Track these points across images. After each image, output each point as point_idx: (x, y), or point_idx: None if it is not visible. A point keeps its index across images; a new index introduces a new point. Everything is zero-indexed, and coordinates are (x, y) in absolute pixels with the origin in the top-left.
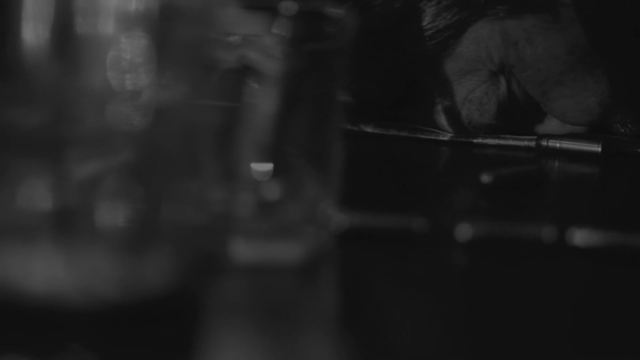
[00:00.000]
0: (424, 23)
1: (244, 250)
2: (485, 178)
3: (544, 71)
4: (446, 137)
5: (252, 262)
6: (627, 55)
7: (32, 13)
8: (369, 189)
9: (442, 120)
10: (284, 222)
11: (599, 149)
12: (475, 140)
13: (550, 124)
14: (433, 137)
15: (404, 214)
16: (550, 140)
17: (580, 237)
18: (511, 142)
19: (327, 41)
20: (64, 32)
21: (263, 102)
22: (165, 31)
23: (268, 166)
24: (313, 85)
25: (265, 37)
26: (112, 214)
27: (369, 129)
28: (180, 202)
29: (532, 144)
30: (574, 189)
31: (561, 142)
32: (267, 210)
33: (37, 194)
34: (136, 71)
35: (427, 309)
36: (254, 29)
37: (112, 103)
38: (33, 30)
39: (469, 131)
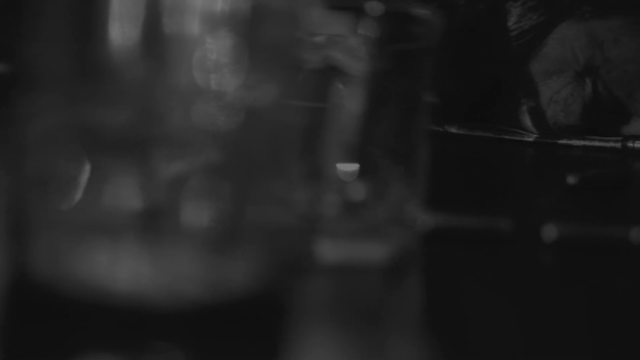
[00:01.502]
0: (510, 24)
1: (330, 251)
2: (571, 179)
3: (630, 72)
4: (531, 138)
5: (338, 262)
6: None
7: (119, 13)
8: (454, 190)
9: (527, 121)
10: (370, 222)
11: None
12: (560, 142)
13: (637, 125)
14: (518, 138)
15: (489, 215)
16: (637, 142)
17: None
18: (597, 144)
19: (412, 42)
20: (151, 32)
21: (349, 103)
22: (252, 31)
23: (354, 166)
24: (399, 85)
25: (351, 37)
26: (197, 214)
27: (453, 130)
28: (266, 203)
29: (618, 145)
30: None
31: None
32: (353, 211)
33: (123, 193)
34: (222, 71)
35: (513, 309)
36: (339, 29)
37: (198, 103)
38: (120, 30)
39: (554, 132)
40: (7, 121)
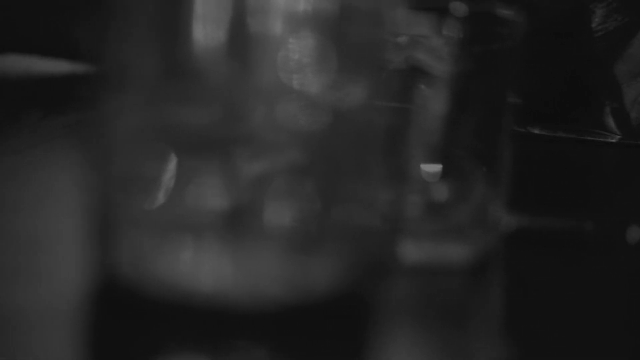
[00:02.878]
0: (594, 25)
1: (412, 252)
2: None
3: None
4: (614, 139)
5: (420, 263)
6: None
7: (204, 13)
8: (536, 191)
9: (611, 122)
10: (452, 223)
11: None
12: None
13: None
14: (601, 140)
15: (572, 216)
16: None
17: None
18: None
19: (496, 42)
20: (236, 32)
21: (432, 104)
22: (337, 31)
23: (437, 168)
24: (482, 86)
25: (435, 38)
26: (281, 214)
27: (536, 131)
28: (349, 203)
29: None
30: None
31: None
32: (436, 212)
33: (207, 193)
34: (306, 71)
35: (596, 312)
36: (423, 30)
37: (282, 103)
38: (205, 31)
39: (638, 133)
40: (93, 121)
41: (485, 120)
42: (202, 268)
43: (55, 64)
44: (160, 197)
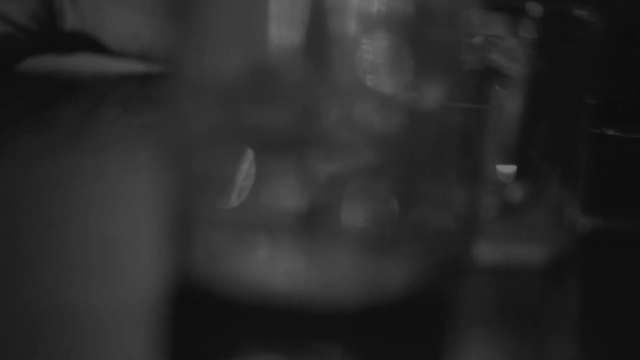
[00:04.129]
0: None
1: (487, 252)
2: None
3: None
4: None
5: (495, 263)
6: None
7: (281, 14)
8: (612, 193)
9: None
10: (527, 224)
11: None
12: None
13: None
14: None
15: None
16: None
17: None
18: None
19: (571, 43)
20: (313, 33)
21: (508, 104)
22: (413, 32)
23: (512, 168)
24: (557, 87)
25: (510, 38)
26: (356, 214)
27: (611, 132)
28: (424, 204)
29: None
30: None
31: None
32: (511, 213)
33: (283, 193)
34: (382, 72)
35: None
36: (498, 30)
37: (358, 103)
38: (282, 31)
39: None
40: (170, 121)
41: (560, 121)
42: (276, 268)
43: (130, 64)
44: (236, 197)
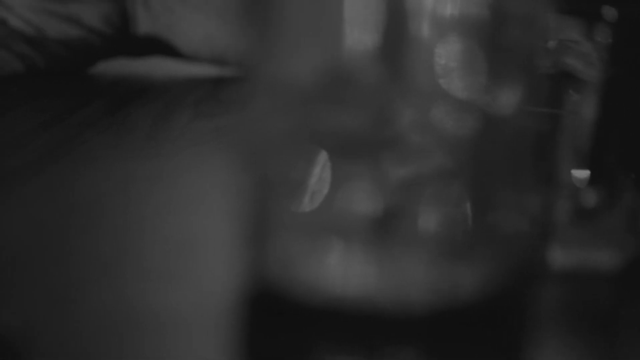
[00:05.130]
0: None
1: (561, 257)
2: None
3: None
4: None
5: (569, 268)
6: None
7: (357, 17)
8: None
9: None
10: (602, 229)
11: None
12: None
13: None
14: None
15: None
16: None
17: None
18: None
19: None
20: (388, 36)
21: (582, 109)
22: (489, 36)
23: (587, 173)
24: (632, 92)
25: (584, 43)
26: (429, 218)
27: None
28: (498, 208)
29: None
30: None
31: None
32: (585, 217)
33: (356, 197)
34: (457, 76)
35: None
36: (572, 34)
37: (432, 107)
38: (358, 34)
39: None
40: (243, 124)
41: (634, 126)
42: (349, 272)
43: (203, 68)
44: (308, 201)
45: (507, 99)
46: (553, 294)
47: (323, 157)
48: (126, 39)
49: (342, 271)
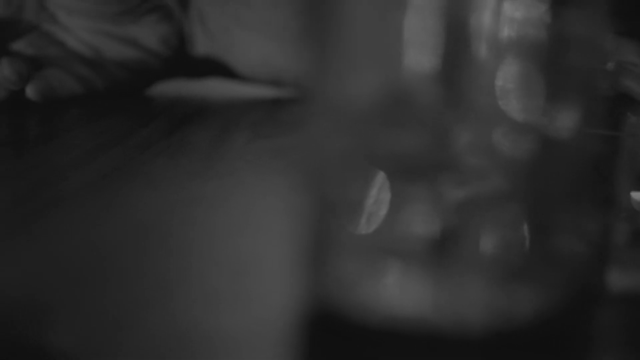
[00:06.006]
0: None
1: (619, 279)
2: None
3: None
4: None
5: (628, 291)
6: None
7: (413, 39)
8: None
9: None
10: None
11: None
12: None
13: None
14: None
15: None
16: None
17: None
18: None
19: None
20: (444, 57)
21: None
22: (547, 58)
23: None
24: None
25: None
26: (486, 240)
27: None
28: (557, 230)
29: None
30: None
31: None
32: None
33: (414, 218)
34: (514, 98)
35: None
36: (630, 56)
37: (489, 129)
38: (414, 55)
39: None
40: (301, 145)
41: None
42: (407, 293)
43: (260, 89)
44: (365, 222)
45: (565, 121)
46: (611, 317)
47: (381, 178)
48: (183, 60)
49: (400, 292)
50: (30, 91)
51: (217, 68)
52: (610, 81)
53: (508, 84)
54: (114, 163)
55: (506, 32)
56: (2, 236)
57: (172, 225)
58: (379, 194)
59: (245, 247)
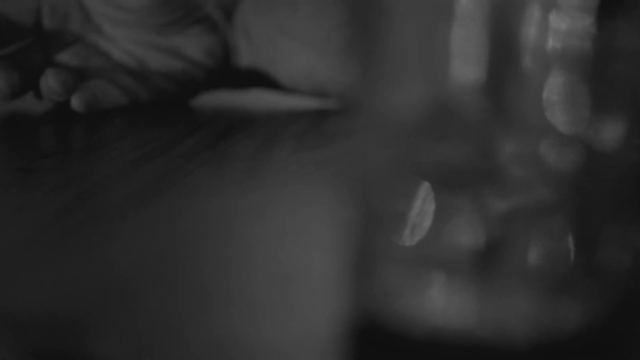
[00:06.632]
0: None
1: None
2: None
3: None
4: None
5: None
6: None
7: (459, 49)
8: None
9: None
10: None
11: None
12: None
13: None
14: None
15: None
16: None
17: None
18: None
19: None
20: (489, 69)
21: None
22: (595, 70)
23: None
24: None
25: None
26: (531, 252)
27: None
28: (602, 242)
29: None
30: None
31: None
32: None
33: (458, 230)
34: (558, 109)
35: None
36: None
37: (534, 140)
38: (460, 67)
39: None
40: (345, 156)
41: None
42: (451, 304)
43: (304, 100)
44: (410, 234)
45: (611, 133)
46: None
47: (425, 189)
48: (228, 71)
49: (444, 304)
50: (75, 102)
51: (261, 79)
52: None
53: (553, 96)
54: (158, 173)
55: (552, 43)
56: (46, 248)
57: (215, 236)
58: (423, 205)
59: (289, 258)
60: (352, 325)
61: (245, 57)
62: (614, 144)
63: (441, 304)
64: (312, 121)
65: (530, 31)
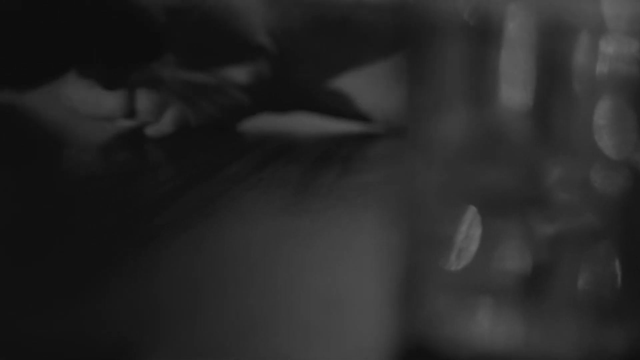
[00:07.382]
0: None
1: None
2: None
3: None
4: None
5: None
6: None
7: (507, 74)
8: None
9: None
10: None
11: None
12: None
13: None
14: None
15: None
16: None
17: None
18: None
19: None
20: (538, 94)
21: None
22: (636, 93)
23: None
24: None
25: None
26: (578, 277)
27: None
28: None
29: None
30: None
31: None
32: None
33: (506, 254)
34: (605, 134)
35: None
36: None
37: (580, 165)
38: (508, 91)
39: None
40: (392, 180)
41: None
42: (498, 329)
43: (348, 124)
44: (456, 258)
45: None
46: None
47: (471, 214)
48: (274, 95)
49: (491, 328)
50: (167, 120)
51: (306, 103)
52: None
53: (601, 120)
54: (205, 197)
55: (600, 68)
56: (94, 272)
57: (262, 260)
58: (469, 230)
59: (336, 282)
60: (399, 349)
61: (291, 80)
62: None
63: (488, 328)
64: (357, 145)
65: (578, 56)
